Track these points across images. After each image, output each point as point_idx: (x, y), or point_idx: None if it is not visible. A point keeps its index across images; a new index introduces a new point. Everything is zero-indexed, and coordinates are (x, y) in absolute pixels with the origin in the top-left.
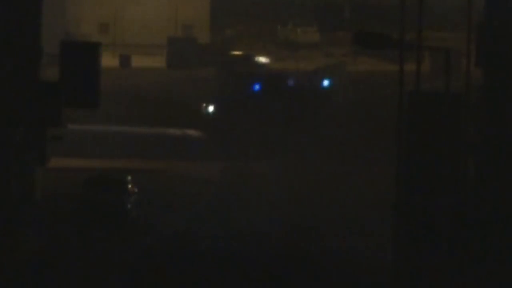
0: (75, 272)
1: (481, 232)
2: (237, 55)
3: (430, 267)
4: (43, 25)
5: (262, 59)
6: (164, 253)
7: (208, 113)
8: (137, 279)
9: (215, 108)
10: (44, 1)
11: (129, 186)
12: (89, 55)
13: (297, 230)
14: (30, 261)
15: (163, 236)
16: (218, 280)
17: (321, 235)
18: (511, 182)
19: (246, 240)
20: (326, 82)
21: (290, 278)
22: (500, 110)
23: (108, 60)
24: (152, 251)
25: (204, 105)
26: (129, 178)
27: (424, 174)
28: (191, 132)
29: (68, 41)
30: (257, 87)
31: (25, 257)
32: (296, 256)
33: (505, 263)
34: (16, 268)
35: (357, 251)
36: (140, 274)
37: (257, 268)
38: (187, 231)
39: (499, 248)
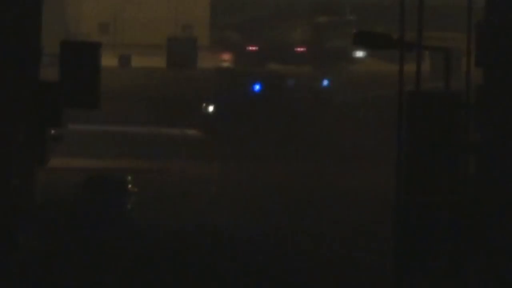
0: (75, 272)
1: (481, 232)
2: None
3: (431, 268)
4: (43, 25)
5: None
6: (163, 252)
7: (208, 112)
8: (136, 279)
9: (215, 108)
10: (44, 1)
11: (129, 186)
12: (89, 55)
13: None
14: (30, 261)
15: (162, 236)
16: (217, 279)
17: (318, 238)
18: (511, 181)
19: (243, 240)
20: (325, 82)
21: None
22: (500, 109)
23: (108, 60)
24: (151, 251)
25: (204, 105)
26: (129, 178)
27: (425, 174)
28: (191, 131)
29: (68, 41)
30: (257, 87)
31: (25, 257)
32: (293, 257)
33: (506, 262)
34: (16, 268)
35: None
36: (139, 274)
37: (254, 269)
38: (186, 230)
39: (500, 248)
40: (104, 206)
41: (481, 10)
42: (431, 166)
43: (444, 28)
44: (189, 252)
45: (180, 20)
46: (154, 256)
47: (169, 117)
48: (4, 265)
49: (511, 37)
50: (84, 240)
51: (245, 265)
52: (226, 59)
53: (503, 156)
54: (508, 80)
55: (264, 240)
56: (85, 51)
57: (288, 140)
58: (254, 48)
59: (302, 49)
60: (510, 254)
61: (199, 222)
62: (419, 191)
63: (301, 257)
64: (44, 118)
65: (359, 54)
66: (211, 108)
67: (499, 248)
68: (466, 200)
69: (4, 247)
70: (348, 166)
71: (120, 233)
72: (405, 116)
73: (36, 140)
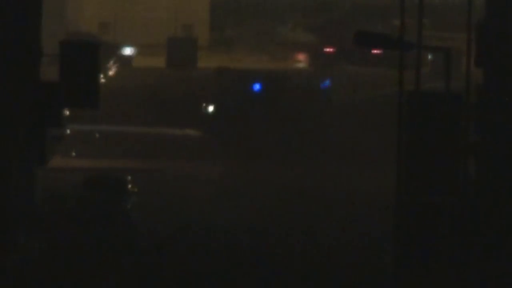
0: (74, 272)
1: (481, 232)
2: None
3: (430, 267)
4: (43, 25)
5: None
6: (162, 253)
7: (208, 113)
8: (135, 280)
9: (215, 108)
10: (44, 1)
11: (129, 186)
12: (88, 55)
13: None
14: (30, 261)
15: (162, 236)
16: (217, 279)
17: (321, 235)
18: (511, 182)
19: (245, 238)
20: (327, 82)
21: (288, 278)
22: (500, 110)
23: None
24: (151, 251)
25: (204, 104)
26: (129, 178)
27: (424, 174)
28: (191, 131)
29: (68, 41)
30: (257, 87)
31: (25, 257)
32: (294, 256)
33: (505, 263)
34: (16, 268)
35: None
36: (139, 274)
37: (254, 268)
38: (186, 231)
39: (500, 249)
40: (104, 206)
41: (481, 10)
42: (431, 166)
43: (444, 27)
44: (189, 252)
45: (180, 20)
46: (154, 256)
47: (169, 117)
48: (4, 265)
49: (511, 37)
50: (83, 240)
51: (245, 265)
52: (301, 59)
53: (503, 156)
54: (508, 80)
55: (264, 240)
56: (85, 51)
57: (287, 140)
58: (330, 49)
59: (378, 51)
60: (510, 255)
61: (199, 222)
62: (419, 191)
63: (300, 257)
64: (44, 118)
65: (431, 56)
66: (211, 108)
67: (499, 249)
68: (466, 200)
69: (4, 247)
70: (346, 166)
71: (120, 233)
72: (405, 116)
73: (36, 140)
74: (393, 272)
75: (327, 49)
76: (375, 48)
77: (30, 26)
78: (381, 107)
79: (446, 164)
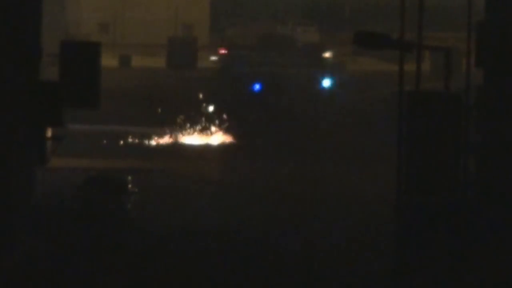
0: (74, 272)
1: (482, 232)
2: None
3: (431, 267)
4: (43, 25)
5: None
6: (162, 253)
7: (208, 112)
8: (135, 279)
9: (215, 108)
10: (44, 1)
11: (129, 186)
12: (89, 55)
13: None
14: (30, 261)
15: (162, 236)
16: (217, 280)
17: (321, 234)
18: (511, 181)
19: (245, 238)
20: (327, 82)
21: (287, 277)
22: (500, 110)
23: (108, 60)
24: (151, 251)
25: (204, 105)
26: (129, 178)
27: (424, 174)
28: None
29: (68, 41)
30: (257, 87)
31: (25, 257)
32: (294, 256)
33: (505, 263)
34: (16, 268)
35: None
36: (139, 274)
37: (254, 269)
38: (186, 230)
39: (499, 249)
40: (104, 206)
41: (481, 10)
42: (431, 166)
43: (444, 28)
44: (189, 253)
45: (180, 20)
46: (154, 256)
47: (169, 117)
48: (4, 265)
49: (511, 37)
50: (83, 240)
51: (245, 265)
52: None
53: (503, 156)
54: (508, 80)
55: (264, 241)
56: (85, 51)
57: (287, 140)
58: None
59: None
60: (510, 254)
61: (199, 222)
62: (419, 191)
63: (300, 257)
64: (44, 118)
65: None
66: (211, 108)
67: (499, 249)
68: (466, 200)
69: (4, 247)
70: (345, 166)
71: (120, 233)
72: (405, 116)
73: (36, 140)
74: (393, 272)
75: None
76: (375, 48)
77: (30, 26)
78: (379, 107)
79: (446, 164)
